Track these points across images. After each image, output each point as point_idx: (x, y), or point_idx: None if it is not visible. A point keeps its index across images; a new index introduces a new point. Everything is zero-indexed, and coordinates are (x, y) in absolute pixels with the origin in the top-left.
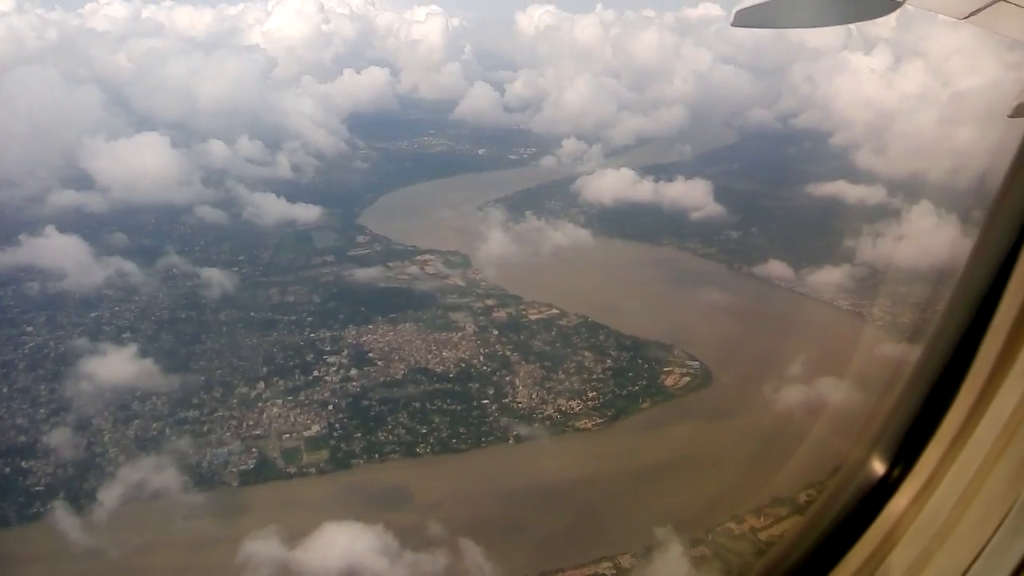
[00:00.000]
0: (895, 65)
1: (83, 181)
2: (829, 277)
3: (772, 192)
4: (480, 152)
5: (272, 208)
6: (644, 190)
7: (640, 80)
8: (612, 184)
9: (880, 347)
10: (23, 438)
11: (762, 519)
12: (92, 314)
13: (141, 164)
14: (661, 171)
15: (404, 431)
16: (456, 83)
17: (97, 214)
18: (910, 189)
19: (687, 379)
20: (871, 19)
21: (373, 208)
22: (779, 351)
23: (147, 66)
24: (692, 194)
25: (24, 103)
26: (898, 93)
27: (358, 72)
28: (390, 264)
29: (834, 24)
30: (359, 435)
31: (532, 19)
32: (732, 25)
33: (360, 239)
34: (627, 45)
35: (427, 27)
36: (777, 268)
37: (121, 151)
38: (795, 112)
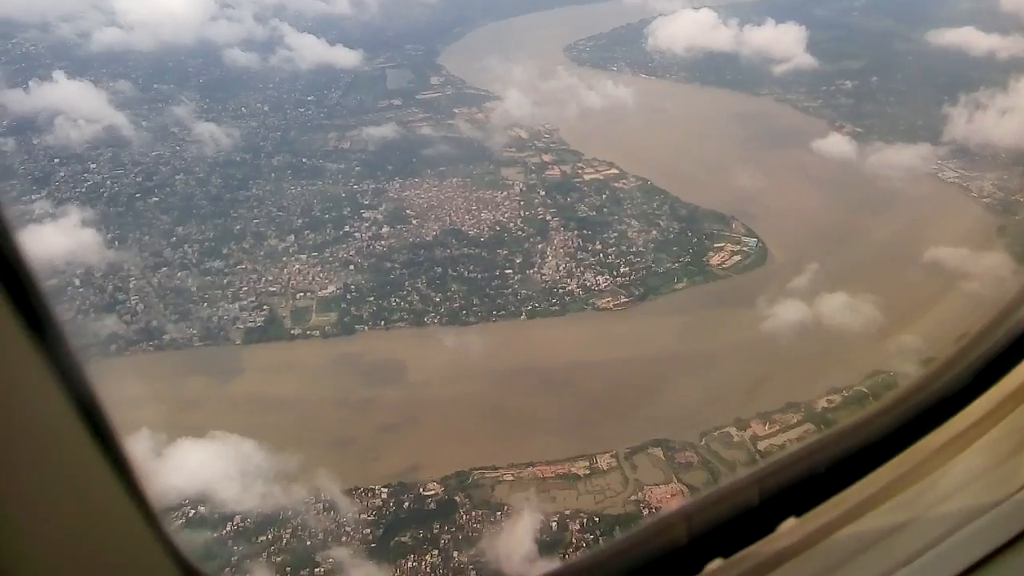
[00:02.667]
0: None
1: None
2: (940, 142)
3: (901, 37)
4: None
5: (345, 48)
6: (747, 31)
7: None
8: (709, 23)
9: (976, 240)
10: (54, 280)
11: (768, 426)
12: (153, 153)
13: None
14: (775, 8)
15: (417, 298)
16: None
17: (149, 53)
18: None
19: (736, 258)
20: None
21: (458, 46)
22: (854, 231)
23: None
24: (798, 36)
25: None
26: None
27: None
28: (456, 110)
29: None
30: (372, 299)
31: None
32: None
33: (435, 80)
34: None
35: None
36: (882, 127)
37: None
38: None
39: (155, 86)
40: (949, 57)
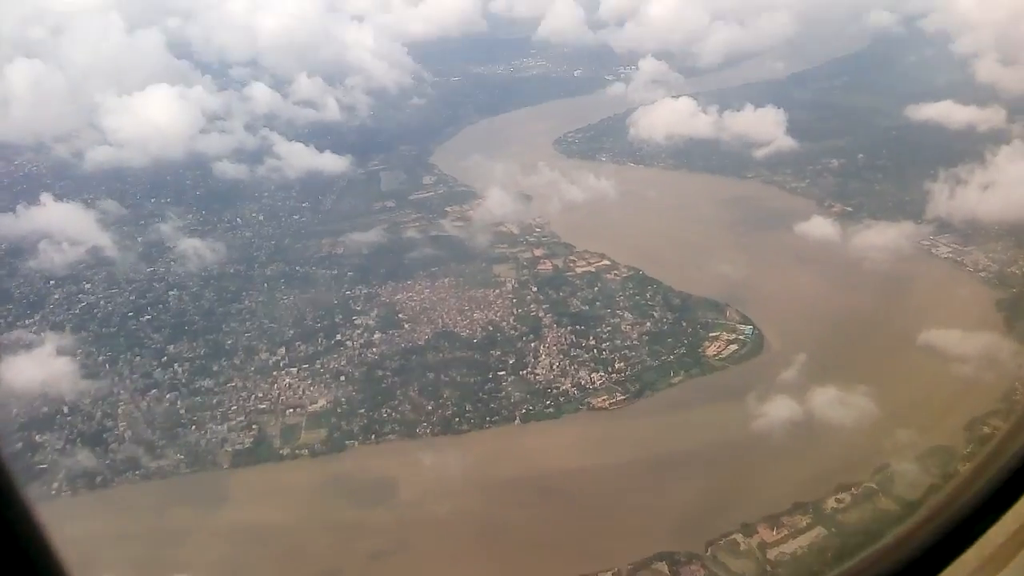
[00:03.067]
0: None
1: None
2: (928, 216)
3: (883, 113)
4: (576, 74)
5: (339, 154)
6: (728, 117)
7: None
8: (689, 111)
9: (978, 316)
10: (45, 409)
11: (776, 531)
12: (148, 269)
13: (192, 114)
14: (756, 92)
15: (409, 408)
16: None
17: (142, 169)
18: None
19: (733, 347)
20: None
21: (451, 144)
22: (852, 313)
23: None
24: (778, 119)
25: (80, 52)
26: None
27: None
28: (448, 208)
29: None
30: (362, 411)
31: None
32: None
33: (427, 180)
34: None
35: None
36: (871, 205)
37: (172, 100)
38: (922, 12)
39: (151, 200)
40: (930, 131)
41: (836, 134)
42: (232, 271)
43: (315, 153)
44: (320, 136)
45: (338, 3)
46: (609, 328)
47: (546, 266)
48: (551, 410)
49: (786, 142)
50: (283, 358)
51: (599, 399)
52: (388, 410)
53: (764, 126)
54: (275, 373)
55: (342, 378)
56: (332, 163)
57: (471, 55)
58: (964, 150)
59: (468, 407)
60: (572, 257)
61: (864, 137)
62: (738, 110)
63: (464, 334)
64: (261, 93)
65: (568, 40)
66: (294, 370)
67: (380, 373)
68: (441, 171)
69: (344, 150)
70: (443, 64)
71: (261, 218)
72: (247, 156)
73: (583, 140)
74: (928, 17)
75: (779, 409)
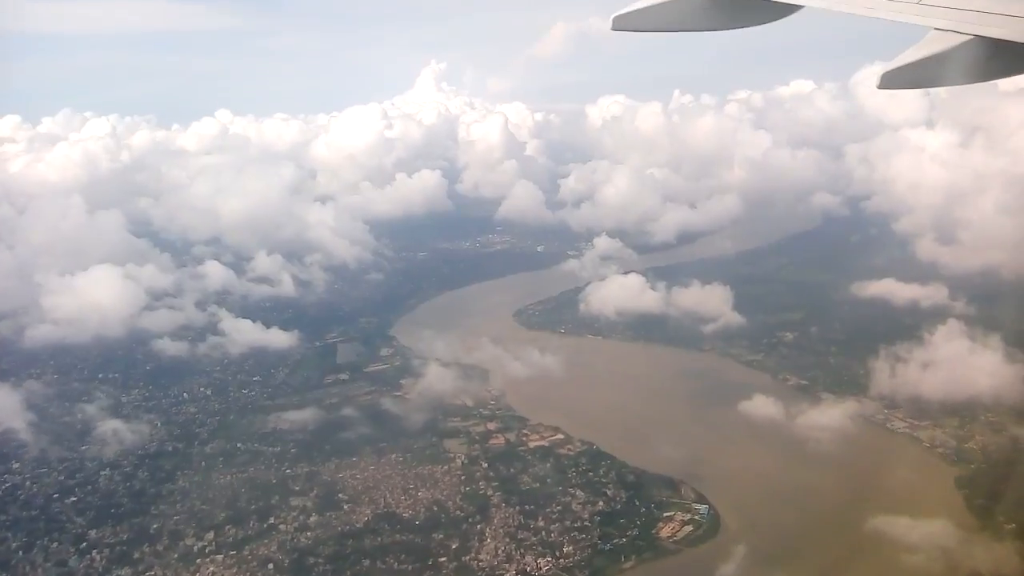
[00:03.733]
0: (974, 142)
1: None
2: (882, 391)
3: (833, 289)
4: (540, 249)
5: (289, 329)
6: (681, 293)
7: (703, 167)
8: (640, 287)
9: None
10: None
11: None
12: (82, 447)
13: (135, 292)
14: (707, 268)
15: None
16: (511, 181)
17: (83, 347)
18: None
19: (688, 528)
20: (755, 25)
21: (412, 316)
22: (811, 491)
23: (179, 186)
24: (728, 294)
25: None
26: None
27: (410, 176)
28: (403, 381)
29: (720, 28)
30: None
31: (601, 110)
32: (613, 29)
33: (385, 352)
34: (690, 132)
35: (496, 124)
36: (826, 378)
37: (117, 279)
38: (865, 195)
39: (91, 378)
40: (878, 307)
41: (789, 308)
42: (170, 448)
43: (262, 329)
44: (275, 311)
45: (305, 186)
46: (560, 507)
47: (498, 440)
48: None
49: (734, 317)
50: (210, 543)
51: None
52: None
53: (713, 301)
54: (199, 561)
55: (270, 566)
56: (278, 338)
57: (440, 232)
58: (911, 326)
59: None
60: (526, 431)
61: (817, 311)
62: (686, 287)
63: (407, 515)
64: (215, 271)
65: (528, 219)
66: (220, 557)
67: (312, 560)
68: (400, 343)
69: (299, 324)
70: (412, 240)
71: (209, 393)
72: (195, 332)
73: (543, 312)
74: (871, 199)
75: None
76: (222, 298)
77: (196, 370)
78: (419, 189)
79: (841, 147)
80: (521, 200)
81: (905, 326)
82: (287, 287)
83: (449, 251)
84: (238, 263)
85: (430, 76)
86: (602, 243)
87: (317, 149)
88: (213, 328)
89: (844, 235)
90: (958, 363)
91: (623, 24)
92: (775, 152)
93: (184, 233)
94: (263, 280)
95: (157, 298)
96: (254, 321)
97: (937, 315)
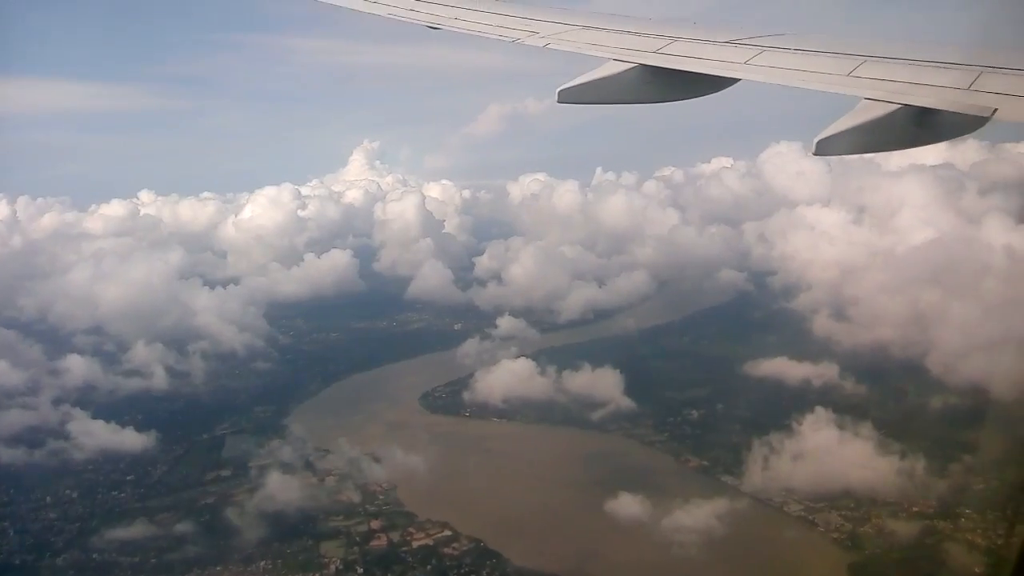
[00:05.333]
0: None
1: None
2: (779, 472)
3: (739, 363)
4: (457, 328)
5: (135, 431)
6: (588, 373)
7: (616, 244)
8: (530, 372)
9: None
10: None
11: None
12: None
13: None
14: (610, 347)
15: None
16: (423, 260)
17: None
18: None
19: None
20: (693, 97)
21: (313, 402)
22: None
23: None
24: (637, 372)
25: None
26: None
27: (319, 256)
28: (288, 476)
29: (658, 101)
30: None
31: (522, 187)
32: (559, 102)
33: (275, 443)
34: (603, 210)
35: (413, 203)
36: (727, 459)
37: None
38: (771, 271)
39: None
40: (771, 385)
41: (697, 384)
42: (18, 561)
43: (115, 429)
44: (152, 404)
45: (200, 269)
46: None
47: (380, 541)
48: None
49: (639, 395)
50: None
51: None
52: None
53: (616, 381)
54: None
55: None
56: (129, 440)
57: (353, 312)
58: (806, 403)
59: None
60: (411, 528)
61: (722, 388)
62: (593, 366)
63: None
64: (77, 364)
65: (436, 298)
66: None
67: None
68: (293, 434)
69: (181, 417)
70: (324, 321)
71: (75, 496)
72: (49, 433)
73: (449, 395)
74: (776, 275)
75: None
76: (87, 394)
77: (61, 471)
78: (328, 269)
79: (745, 224)
80: (429, 279)
81: (804, 402)
82: (159, 380)
83: (363, 331)
84: (115, 354)
85: (362, 154)
86: (505, 323)
87: (226, 230)
88: (59, 430)
89: (749, 311)
90: (831, 452)
91: (567, 97)
92: (683, 229)
93: (61, 322)
94: (133, 373)
95: (9, 396)
96: (120, 420)
97: (831, 393)
